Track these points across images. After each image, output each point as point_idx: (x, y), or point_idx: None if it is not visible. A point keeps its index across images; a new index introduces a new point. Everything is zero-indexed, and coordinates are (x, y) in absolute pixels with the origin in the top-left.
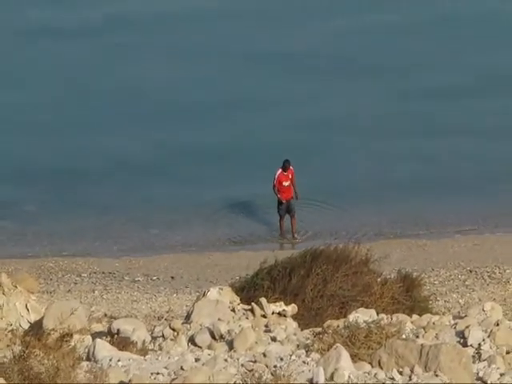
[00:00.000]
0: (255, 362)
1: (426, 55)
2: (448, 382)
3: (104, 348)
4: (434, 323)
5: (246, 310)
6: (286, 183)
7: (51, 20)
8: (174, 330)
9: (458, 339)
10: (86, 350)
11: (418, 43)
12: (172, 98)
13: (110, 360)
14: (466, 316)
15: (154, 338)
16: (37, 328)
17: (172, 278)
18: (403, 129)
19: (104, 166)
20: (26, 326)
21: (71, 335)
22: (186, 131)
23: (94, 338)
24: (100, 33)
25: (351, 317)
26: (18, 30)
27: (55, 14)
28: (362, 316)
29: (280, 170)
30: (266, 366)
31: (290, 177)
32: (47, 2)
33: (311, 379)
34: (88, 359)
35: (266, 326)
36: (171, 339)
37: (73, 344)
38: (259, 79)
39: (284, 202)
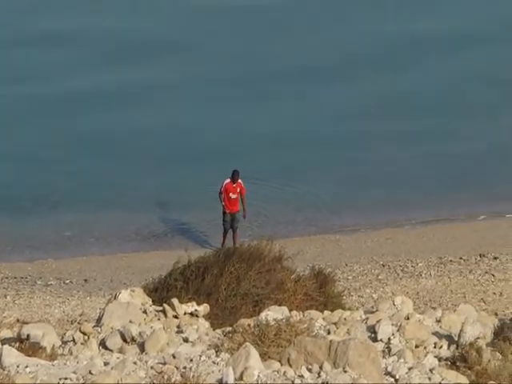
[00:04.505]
0: (165, 363)
1: None
2: (356, 377)
3: (11, 354)
4: (345, 319)
5: (157, 311)
6: (233, 195)
7: None
8: (84, 333)
9: (369, 334)
10: None
11: None
12: None
13: (18, 366)
14: (376, 311)
15: (64, 343)
16: None
17: (85, 280)
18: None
19: (13, 167)
20: None
21: None
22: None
23: (3, 345)
24: None
25: (262, 315)
26: None
27: None
28: (273, 314)
29: (228, 180)
30: (176, 368)
31: (239, 190)
32: None
33: (221, 379)
34: None
35: (178, 326)
36: (82, 343)
37: None
38: None
39: (228, 213)
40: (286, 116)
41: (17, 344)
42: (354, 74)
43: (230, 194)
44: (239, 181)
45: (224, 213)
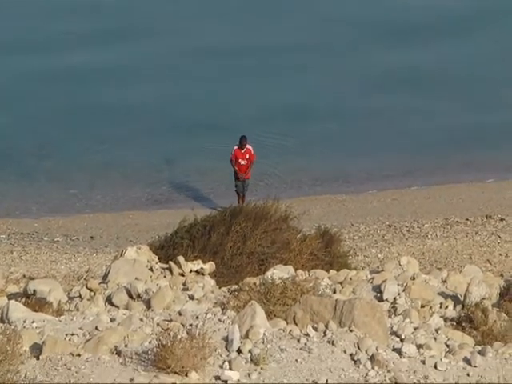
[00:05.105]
0: (171, 320)
1: None
2: (362, 337)
3: (18, 309)
4: (351, 278)
5: (163, 268)
6: (242, 161)
7: None
8: (90, 290)
9: (375, 294)
10: (0, 312)
11: None
12: None
13: (24, 321)
14: (382, 271)
15: (70, 299)
16: None
17: (91, 237)
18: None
19: (22, 128)
20: None
21: None
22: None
23: (9, 300)
24: None
25: (267, 274)
26: None
27: None
28: (279, 272)
29: (236, 147)
30: (182, 325)
31: (248, 157)
32: None
33: (227, 337)
34: (1, 321)
35: (184, 284)
36: (88, 299)
37: None
38: None
39: (240, 177)
40: (295, 88)
41: (23, 299)
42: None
43: (240, 160)
44: (248, 147)
45: (236, 178)
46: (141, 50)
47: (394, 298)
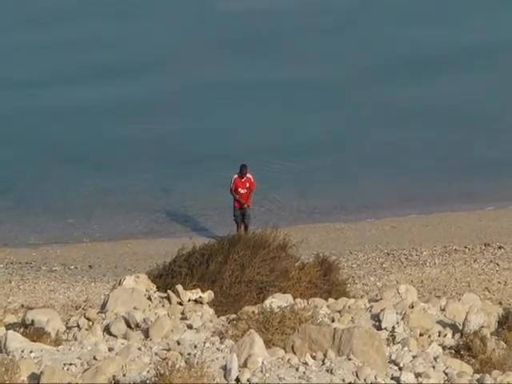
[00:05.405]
0: (169, 350)
1: None
2: (361, 365)
3: (16, 339)
4: (349, 307)
5: (162, 297)
6: (242, 190)
7: None
8: (88, 319)
9: (374, 322)
10: None
11: None
12: None
13: (22, 351)
14: (381, 299)
15: (68, 328)
16: None
17: (90, 266)
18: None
19: (20, 157)
20: None
21: None
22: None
23: (7, 330)
24: None
25: (266, 302)
26: None
27: None
28: (277, 301)
29: (236, 176)
30: (180, 354)
31: (248, 185)
32: None
33: (225, 366)
34: None
35: (183, 313)
36: (86, 329)
37: None
38: None
39: (238, 208)
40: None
41: (21, 329)
42: None
43: (239, 189)
44: (248, 175)
45: (234, 207)
46: (137, 85)
47: (393, 327)
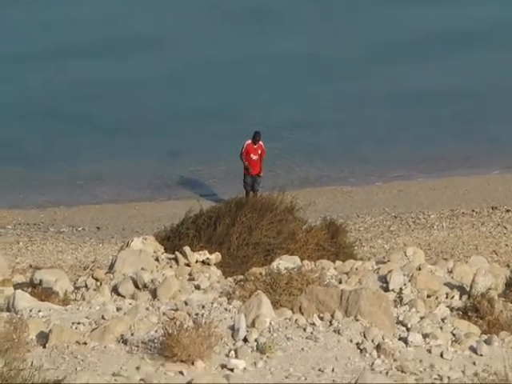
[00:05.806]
0: (177, 310)
1: None
2: (368, 326)
3: (24, 299)
4: (356, 269)
5: (169, 259)
6: (254, 156)
7: None
8: (96, 280)
9: (381, 284)
10: (7, 301)
11: None
12: None
13: (31, 310)
14: (388, 261)
15: (77, 289)
16: None
17: (98, 228)
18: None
19: (28, 118)
20: None
21: None
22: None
23: (16, 289)
24: None
25: (273, 264)
26: None
27: None
28: (285, 263)
29: (249, 141)
30: (188, 314)
31: (260, 152)
32: None
33: (233, 326)
34: (8, 310)
35: (190, 274)
36: (94, 289)
37: None
38: None
39: (248, 174)
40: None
41: (30, 289)
42: None
43: (251, 155)
44: (260, 142)
45: (245, 174)
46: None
47: (400, 288)
